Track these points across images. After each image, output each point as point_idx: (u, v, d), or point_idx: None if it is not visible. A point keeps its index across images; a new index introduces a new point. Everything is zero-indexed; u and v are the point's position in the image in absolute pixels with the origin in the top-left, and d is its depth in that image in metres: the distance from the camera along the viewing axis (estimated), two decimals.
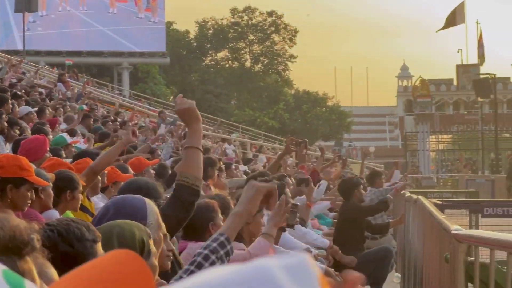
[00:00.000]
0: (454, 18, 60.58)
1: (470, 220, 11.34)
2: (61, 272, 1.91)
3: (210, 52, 69.58)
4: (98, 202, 6.23)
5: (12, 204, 4.59)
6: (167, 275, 3.36)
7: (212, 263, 2.96)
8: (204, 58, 69.10)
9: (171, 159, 11.45)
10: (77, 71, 38.27)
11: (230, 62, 70.03)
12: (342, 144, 71.00)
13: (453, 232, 4.46)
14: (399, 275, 10.04)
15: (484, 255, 4.33)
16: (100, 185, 6.65)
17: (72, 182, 5.26)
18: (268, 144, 38.22)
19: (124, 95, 47.00)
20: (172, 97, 60.88)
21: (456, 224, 4.92)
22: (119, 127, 17.42)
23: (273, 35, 69.00)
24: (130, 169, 7.37)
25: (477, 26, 64.56)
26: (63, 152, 8.21)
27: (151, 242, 2.83)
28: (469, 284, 4.73)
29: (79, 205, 5.35)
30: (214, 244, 2.97)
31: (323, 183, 10.58)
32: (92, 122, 15.64)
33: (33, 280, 1.60)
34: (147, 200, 3.25)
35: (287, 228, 5.08)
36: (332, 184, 13.15)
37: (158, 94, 54.44)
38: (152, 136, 17.13)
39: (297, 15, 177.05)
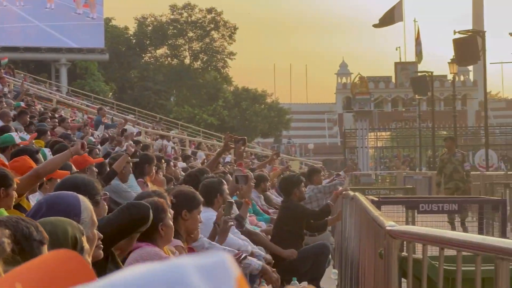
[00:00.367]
0: (393, 16, 61.30)
1: (407, 217, 11.46)
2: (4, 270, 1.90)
3: (149, 48, 69.24)
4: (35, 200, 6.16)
5: None
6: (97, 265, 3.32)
7: None
8: (143, 55, 68.72)
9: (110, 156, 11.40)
10: (14, 67, 37.81)
11: (169, 59, 69.76)
12: (281, 141, 71.24)
13: (387, 228, 4.52)
14: (336, 271, 10.11)
15: (420, 250, 4.40)
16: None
17: (6, 179, 5.12)
18: (207, 141, 38.24)
19: (62, 91, 46.59)
20: (111, 94, 60.54)
21: (393, 220, 4.98)
22: (57, 124, 17.29)
23: (213, 32, 68.89)
24: (74, 167, 7.29)
25: (415, 24, 65.56)
26: None
27: (84, 239, 2.82)
28: (403, 280, 4.79)
29: (13, 203, 5.24)
30: None
31: None
32: (28, 119, 15.49)
33: None
34: (81, 197, 3.23)
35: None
36: (271, 182, 13.18)
37: (97, 91, 54.02)
38: (89, 132, 17.03)
39: (236, 12, 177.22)
